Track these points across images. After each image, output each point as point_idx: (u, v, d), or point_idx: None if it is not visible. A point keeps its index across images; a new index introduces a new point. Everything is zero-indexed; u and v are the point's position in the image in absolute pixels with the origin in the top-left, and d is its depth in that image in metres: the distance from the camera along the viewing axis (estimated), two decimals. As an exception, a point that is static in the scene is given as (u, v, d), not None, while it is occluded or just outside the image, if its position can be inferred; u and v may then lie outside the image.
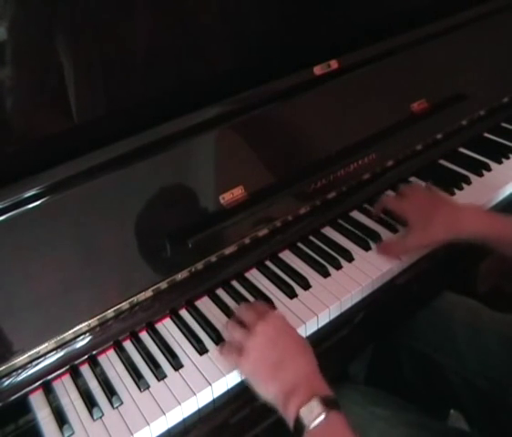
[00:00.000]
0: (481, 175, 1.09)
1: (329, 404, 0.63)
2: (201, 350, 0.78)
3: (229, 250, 0.89)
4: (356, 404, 0.86)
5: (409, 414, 0.86)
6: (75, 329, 0.76)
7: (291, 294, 0.85)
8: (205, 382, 0.73)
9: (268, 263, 0.92)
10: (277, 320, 0.73)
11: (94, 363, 0.78)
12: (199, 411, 0.73)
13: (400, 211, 0.93)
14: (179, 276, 0.84)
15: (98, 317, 0.78)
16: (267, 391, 0.68)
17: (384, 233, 0.95)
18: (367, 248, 0.92)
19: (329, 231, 0.98)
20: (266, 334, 0.70)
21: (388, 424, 0.83)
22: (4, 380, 0.72)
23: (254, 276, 0.90)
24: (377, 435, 0.82)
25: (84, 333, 0.77)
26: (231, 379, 0.74)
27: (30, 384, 0.74)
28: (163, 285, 0.83)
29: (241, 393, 0.74)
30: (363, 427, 0.83)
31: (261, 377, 0.69)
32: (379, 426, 0.83)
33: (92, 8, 0.78)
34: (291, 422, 0.64)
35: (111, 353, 0.79)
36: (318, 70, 0.97)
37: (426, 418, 0.86)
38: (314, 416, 0.62)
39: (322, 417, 0.62)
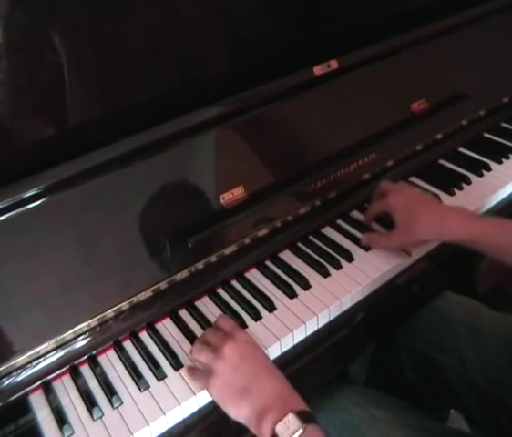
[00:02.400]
0: (481, 175, 1.09)
1: (306, 419, 0.61)
2: (201, 350, 0.78)
3: (229, 250, 0.89)
4: (356, 405, 0.86)
5: (409, 416, 0.86)
6: (75, 329, 0.76)
7: (291, 294, 0.85)
8: (205, 382, 0.73)
9: (268, 263, 0.92)
10: (243, 342, 0.70)
11: (94, 363, 0.78)
12: (199, 411, 0.73)
13: (386, 208, 0.92)
14: (179, 276, 0.84)
15: (98, 317, 0.78)
16: (237, 413, 0.66)
17: (384, 233, 0.95)
18: (367, 249, 0.92)
19: (329, 231, 0.98)
20: (233, 356, 0.68)
21: (388, 426, 0.83)
22: (4, 380, 0.72)
23: (254, 276, 0.90)
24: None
25: (84, 333, 0.77)
26: (231, 379, 0.74)
27: (30, 384, 0.74)
28: (163, 285, 0.83)
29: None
30: (364, 428, 0.83)
31: (231, 401, 0.67)
32: (379, 428, 0.83)
33: (91, 8, 0.78)
34: None
35: (111, 353, 0.79)
36: (318, 70, 0.97)
37: (427, 419, 0.86)
38: (291, 432, 0.60)
39: (300, 432, 0.60)
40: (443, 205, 0.95)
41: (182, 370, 0.75)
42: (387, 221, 0.97)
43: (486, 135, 1.22)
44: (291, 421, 0.61)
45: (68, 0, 0.76)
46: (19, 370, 0.73)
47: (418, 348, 0.98)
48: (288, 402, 0.64)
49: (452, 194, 1.04)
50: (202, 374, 0.71)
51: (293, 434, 0.60)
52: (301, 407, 0.63)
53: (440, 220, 0.86)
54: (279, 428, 0.61)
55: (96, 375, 0.76)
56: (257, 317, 0.82)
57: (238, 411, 0.66)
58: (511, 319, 0.94)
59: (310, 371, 0.82)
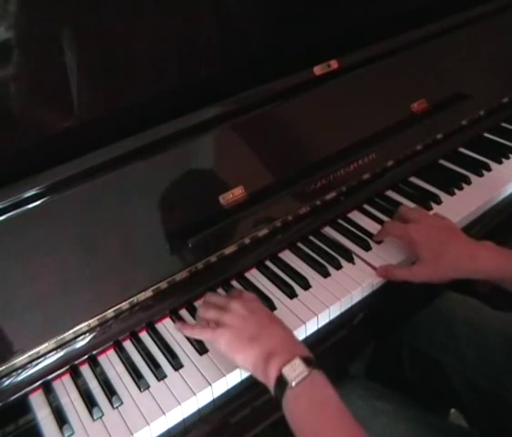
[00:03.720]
0: (481, 175, 1.09)
1: (311, 363, 0.65)
2: (201, 349, 0.78)
3: (229, 250, 0.89)
4: (359, 398, 0.86)
5: (412, 410, 0.86)
6: (75, 329, 0.76)
7: (291, 294, 0.85)
8: (205, 382, 0.73)
9: (268, 263, 0.92)
10: (252, 299, 0.76)
11: (94, 363, 0.78)
12: (199, 411, 0.73)
13: (406, 239, 0.86)
14: (179, 276, 0.84)
15: (98, 317, 0.78)
16: (245, 359, 0.69)
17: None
18: (367, 249, 0.92)
19: (329, 231, 0.98)
20: (241, 310, 0.72)
21: (391, 419, 0.83)
22: (4, 380, 0.72)
23: (254, 276, 0.90)
24: (380, 429, 0.82)
25: (84, 333, 0.77)
26: (231, 379, 0.74)
27: (30, 384, 0.74)
28: (163, 285, 0.83)
29: (241, 393, 0.74)
30: (366, 421, 0.82)
31: (239, 347, 0.70)
32: (382, 420, 0.83)
33: (93, 8, 0.78)
34: (271, 382, 0.65)
35: (111, 353, 0.79)
36: (318, 70, 0.97)
37: (428, 413, 0.86)
38: (297, 374, 0.64)
39: (306, 374, 0.63)
40: (468, 238, 0.85)
41: (182, 371, 0.75)
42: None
43: (486, 135, 1.22)
44: (297, 364, 0.64)
45: (69, 0, 0.76)
46: (19, 370, 0.73)
47: (418, 346, 0.98)
48: (294, 348, 0.68)
49: (452, 194, 1.04)
50: (209, 327, 0.74)
51: (299, 376, 0.63)
52: (306, 354, 0.67)
53: (471, 258, 0.81)
54: (285, 370, 0.64)
55: (96, 375, 0.76)
56: (257, 317, 0.82)
57: (246, 357, 0.69)
58: (511, 317, 0.94)
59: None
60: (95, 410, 0.71)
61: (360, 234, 0.95)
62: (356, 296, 0.85)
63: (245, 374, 0.75)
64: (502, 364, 0.88)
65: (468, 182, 1.07)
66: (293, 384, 0.63)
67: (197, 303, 0.86)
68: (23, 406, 0.73)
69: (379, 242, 0.93)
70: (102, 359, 0.79)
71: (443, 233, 0.85)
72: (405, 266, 0.87)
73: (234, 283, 0.89)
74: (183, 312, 0.85)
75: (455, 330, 0.94)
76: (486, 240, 0.84)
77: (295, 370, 0.64)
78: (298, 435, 0.63)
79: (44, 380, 0.75)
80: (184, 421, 0.72)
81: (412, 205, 1.01)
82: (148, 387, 0.74)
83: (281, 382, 0.64)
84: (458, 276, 0.83)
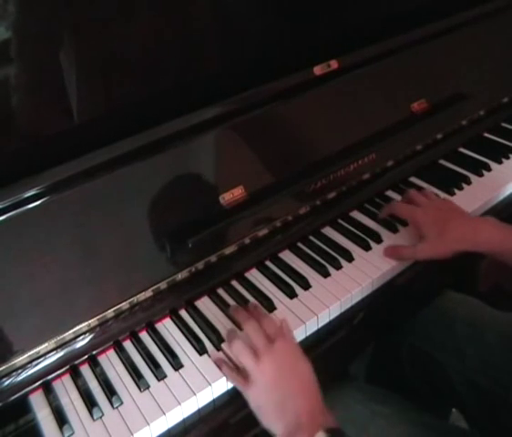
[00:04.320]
0: (481, 175, 1.09)
1: (334, 435, 0.63)
2: (201, 350, 0.78)
3: (229, 250, 0.89)
4: (357, 402, 0.86)
5: (410, 412, 0.86)
6: (75, 329, 0.76)
7: (291, 294, 0.85)
8: (205, 382, 0.73)
9: (268, 263, 0.92)
10: (285, 351, 0.71)
11: (94, 363, 0.78)
12: (199, 411, 0.73)
13: (413, 220, 0.91)
14: (179, 276, 0.84)
15: (98, 317, 0.78)
16: (270, 426, 0.68)
17: (384, 233, 0.95)
18: (367, 249, 0.92)
19: (329, 231, 0.98)
20: (274, 368, 0.69)
21: (389, 422, 0.83)
22: (4, 380, 0.72)
23: (254, 276, 0.90)
24: (378, 433, 0.82)
25: (84, 333, 0.77)
26: (231, 379, 0.74)
27: (30, 384, 0.74)
28: (163, 285, 0.83)
29: (241, 393, 0.74)
30: (364, 425, 0.83)
31: (266, 413, 0.69)
32: (380, 424, 0.83)
33: (92, 7, 0.78)
34: None
35: (111, 353, 0.79)
36: (318, 70, 0.97)
37: (427, 416, 0.86)
38: None
39: None
40: (472, 217, 0.92)
41: (182, 371, 0.75)
42: (388, 221, 0.97)
43: (486, 135, 1.22)
44: None
45: (69, 0, 0.76)
46: (19, 370, 0.73)
47: (418, 346, 0.98)
48: (320, 420, 0.66)
49: (452, 194, 1.04)
50: (240, 375, 0.72)
51: None
52: (330, 424, 0.65)
53: (474, 230, 0.86)
54: None
55: (96, 375, 0.76)
56: (257, 317, 0.82)
57: (271, 425, 0.68)
58: (511, 317, 0.94)
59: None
60: (95, 410, 0.71)
61: (360, 234, 0.95)
62: (356, 296, 0.85)
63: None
64: (502, 364, 0.88)
65: (468, 182, 1.07)
66: None
67: (197, 303, 0.86)
68: (23, 406, 0.73)
69: (379, 242, 0.93)
70: (102, 359, 0.79)
71: (447, 212, 0.89)
72: (410, 246, 0.90)
73: (234, 283, 0.89)
74: (183, 312, 0.85)
75: (456, 330, 0.94)
76: (489, 216, 0.88)
77: None
78: None
79: (44, 380, 0.75)
80: (184, 421, 0.72)
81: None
82: (148, 387, 0.74)
83: None
84: (461, 248, 0.86)
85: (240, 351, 0.72)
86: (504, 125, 1.25)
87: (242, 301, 0.84)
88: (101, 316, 0.78)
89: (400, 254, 0.89)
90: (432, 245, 0.87)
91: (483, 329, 0.93)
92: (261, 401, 0.69)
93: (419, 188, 1.06)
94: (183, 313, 0.85)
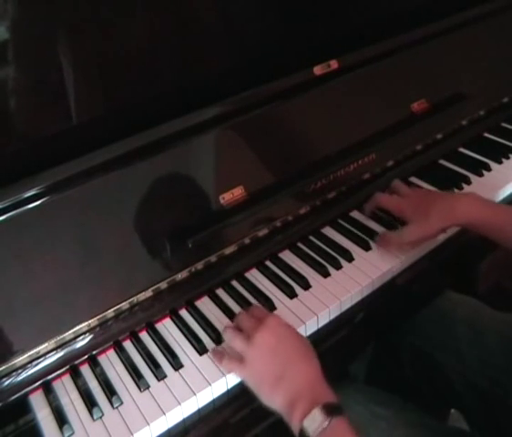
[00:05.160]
0: (481, 175, 1.09)
1: (331, 411, 0.64)
2: (201, 350, 0.78)
3: (229, 250, 0.89)
4: (357, 403, 0.86)
5: (410, 414, 0.86)
6: (75, 329, 0.76)
7: (291, 294, 0.85)
8: (205, 382, 0.73)
9: (268, 263, 0.92)
10: (276, 326, 0.72)
11: (94, 363, 0.78)
12: (199, 411, 0.73)
13: (398, 210, 0.93)
14: (179, 276, 0.84)
15: (98, 317, 0.78)
16: (272, 401, 0.68)
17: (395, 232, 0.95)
18: (367, 249, 0.92)
19: (329, 231, 0.98)
20: (266, 343, 0.70)
21: (389, 424, 0.83)
22: (4, 380, 0.72)
23: (254, 276, 0.90)
24: (378, 435, 0.82)
25: (84, 333, 0.77)
26: (231, 379, 0.74)
27: (30, 384, 0.74)
28: (163, 285, 0.83)
29: (241, 393, 0.74)
30: (365, 426, 0.83)
31: (265, 389, 0.69)
32: (380, 426, 0.83)
33: (92, 8, 0.78)
34: (296, 433, 0.65)
35: (111, 353, 0.79)
36: (318, 70, 0.97)
37: (427, 418, 0.86)
38: (317, 425, 0.63)
39: (325, 425, 0.62)
40: (452, 194, 0.97)
41: (182, 371, 0.75)
42: (388, 221, 0.97)
43: (486, 135, 1.22)
44: (316, 415, 0.63)
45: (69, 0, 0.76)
46: (19, 370, 0.73)
47: (418, 346, 0.98)
48: (316, 394, 0.66)
49: (452, 194, 1.04)
50: (235, 359, 0.72)
51: (318, 428, 0.63)
52: (328, 399, 0.65)
53: (452, 204, 0.88)
54: (306, 422, 0.64)
55: (96, 375, 0.76)
56: (257, 317, 0.82)
57: (271, 400, 0.68)
58: (510, 318, 0.94)
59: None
60: (95, 410, 0.71)
61: (360, 234, 0.95)
62: (356, 296, 0.85)
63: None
64: (502, 365, 0.88)
65: (468, 182, 1.07)
66: None
67: (197, 303, 0.86)
68: (23, 406, 0.73)
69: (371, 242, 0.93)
70: (102, 359, 0.79)
71: (430, 197, 0.93)
72: (397, 232, 0.92)
73: (234, 283, 0.89)
74: (183, 312, 0.85)
75: (455, 331, 0.94)
76: (471, 193, 0.92)
77: (315, 422, 0.63)
78: None
79: (44, 380, 0.75)
80: (184, 421, 0.72)
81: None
82: (148, 387, 0.74)
83: (304, 435, 0.64)
84: (444, 224, 0.89)
85: (232, 337, 0.73)
86: (504, 125, 1.25)
87: (242, 301, 0.84)
88: (101, 316, 0.78)
89: (388, 240, 0.91)
90: (417, 225, 0.89)
91: (482, 329, 0.93)
92: (259, 377, 0.70)
93: (419, 188, 1.06)
94: (183, 313, 0.85)
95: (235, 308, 0.84)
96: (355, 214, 1.01)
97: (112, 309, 0.79)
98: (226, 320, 0.82)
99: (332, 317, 0.84)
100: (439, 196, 0.94)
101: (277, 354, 0.69)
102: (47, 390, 0.75)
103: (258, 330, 0.71)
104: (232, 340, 0.73)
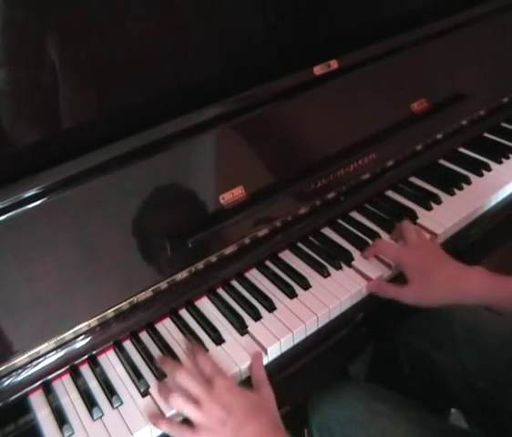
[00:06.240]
0: (481, 175, 1.09)
1: None
2: (201, 350, 0.78)
3: (229, 250, 0.89)
4: (358, 400, 0.86)
5: (411, 411, 0.86)
6: (75, 329, 0.76)
7: (291, 294, 0.85)
8: (205, 382, 0.73)
9: (268, 263, 0.92)
10: (224, 394, 0.68)
11: (94, 363, 0.78)
12: (199, 411, 0.73)
13: (398, 261, 0.87)
14: (179, 276, 0.84)
15: (98, 317, 0.78)
16: None
17: (384, 234, 0.95)
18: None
19: (329, 231, 0.98)
20: (217, 407, 0.67)
21: (390, 421, 0.83)
22: (4, 380, 0.72)
23: (254, 276, 0.90)
24: (379, 432, 0.82)
25: (84, 333, 0.77)
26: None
27: (30, 384, 0.74)
28: (163, 285, 0.83)
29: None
30: (366, 423, 0.83)
31: None
32: (381, 422, 0.83)
33: (89, 9, 0.78)
34: None
35: (111, 353, 0.80)
36: (318, 70, 0.97)
37: (428, 415, 0.86)
38: None
39: None
40: (457, 262, 0.84)
41: (182, 370, 0.75)
42: (387, 221, 0.97)
43: (486, 135, 1.22)
44: None
45: (66, 1, 0.76)
46: (19, 370, 0.73)
47: (418, 347, 0.98)
48: None
49: (452, 194, 1.04)
50: (185, 428, 0.68)
51: None
52: None
53: (459, 280, 0.81)
54: None
55: (96, 375, 0.76)
56: (257, 317, 0.82)
57: None
58: (509, 320, 0.94)
59: (309, 372, 0.83)
60: (95, 410, 0.71)
61: (360, 234, 0.95)
62: (356, 296, 0.85)
63: (244, 375, 0.75)
64: (500, 366, 0.88)
65: (468, 182, 1.07)
66: None
67: (197, 303, 0.86)
68: (23, 406, 0.73)
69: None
70: (102, 359, 0.79)
71: (432, 256, 0.85)
72: (396, 285, 0.85)
73: (234, 283, 0.89)
74: (183, 312, 0.85)
75: (454, 333, 0.94)
76: (477, 266, 0.83)
77: None
78: None
79: (44, 380, 0.75)
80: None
81: (411, 204, 1.02)
82: (147, 387, 0.74)
83: None
84: (446, 300, 0.82)
85: (181, 405, 0.68)
86: (504, 125, 1.25)
87: (242, 301, 0.85)
88: (101, 316, 0.78)
89: (386, 291, 0.85)
90: (416, 291, 0.82)
91: (481, 331, 0.93)
92: None
93: (419, 188, 1.06)
94: (183, 313, 0.85)
95: (235, 308, 0.84)
96: (355, 214, 1.01)
97: (112, 309, 0.79)
98: (226, 321, 0.82)
99: (332, 317, 0.83)
100: (447, 261, 0.84)
101: (228, 418, 0.66)
102: (47, 390, 0.75)
103: (208, 396, 0.67)
104: (182, 407, 0.68)
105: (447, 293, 0.81)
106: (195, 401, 0.67)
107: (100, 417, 0.71)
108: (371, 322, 0.89)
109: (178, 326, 0.83)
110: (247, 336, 0.80)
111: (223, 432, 0.66)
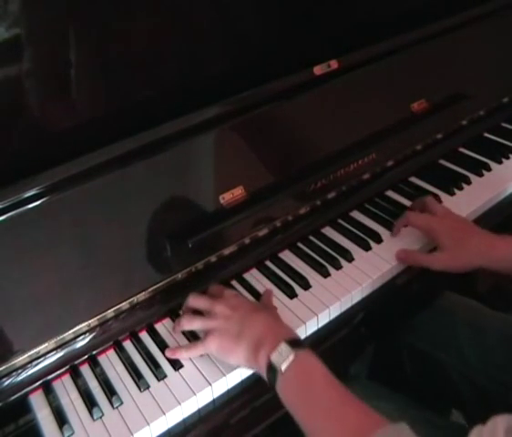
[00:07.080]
0: (481, 175, 1.09)
1: (296, 345, 0.67)
2: (201, 350, 0.78)
3: (229, 250, 0.89)
4: (359, 398, 0.86)
5: (413, 409, 0.86)
6: (75, 329, 0.76)
7: (291, 294, 0.85)
8: (205, 382, 0.73)
9: (268, 263, 0.92)
10: (232, 295, 0.78)
11: (94, 363, 0.78)
12: (199, 411, 0.73)
13: (429, 229, 0.89)
14: (179, 276, 0.84)
15: (98, 317, 0.78)
16: (237, 358, 0.71)
17: (385, 233, 0.95)
18: (367, 249, 0.92)
19: (329, 231, 0.98)
20: (224, 310, 0.74)
21: (392, 419, 0.83)
22: (4, 380, 0.72)
23: (254, 276, 0.90)
24: None
25: (84, 333, 0.77)
26: (231, 379, 0.74)
27: (30, 384, 0.74)
28: (163, 285, 0.83)
29: (241, 393, 0.74)
30: None
31: (229, 349, 0.72)
32: None
33: (94, 8, 0.78)
34: (264, 372, 0.67)
35: (111, 353, 0.79)
36: (318, 70, 0.97)
37: (430, 413, 0.86)
38: (284, 358, 0.65)
39: (292, 357, 0.65)
40: (488, 232, 0.88)
41: (182, 371, 0.75)
42: (387, 221, 0.97)
43: (486, 135, 1.22)
44: (283, 348, 0.66)
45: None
46: (19, 370, 0.73)
47: (419, 347, 0.98)
48: (279, 333, 0.69)
49: (452, 194, 1.04)
50: (198, 342, 0.75)
51: (286, 360, 0.65)
52: (291, 336, 0.69)
53: (490, 246, 0.84)
54: (273, 357, 0.66)
55: (96, 375, 0.76)
56: (257, 317, 0.82)
57: (237, 356, 0.71)
58: (511, 318, 0.94)
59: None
60: (95, 410, 0.71)
61: (360, 234, 0.95)
62: (356, 296, 0.85)
63: (245, 374, 0.75)
64: (502, 364, 0.88)
65: (468, 182, 1.07)
66: (283, 369, 0.65)
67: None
68: (23, 406, 0.73)
69: (379, 242, 0.93)
70: (102, 359, 0.79)
71: (464, 225, 0.89)
72: (426, 252, 0.89)
73: (234, 283, 0.89)
74: (183, 312, 0.85)
75: (456, 331, 0.94)
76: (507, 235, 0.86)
77: (282, 355, 0.66)
78: (295, 418, 0.64)
79: (44, 380, 0.75)
80: (184, 421, 0.72)
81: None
82: (148, 387, 0.74)
83: (272, 370, 0.66)
84: (476, 262, 0.84)
85: (191, 319, 0.77)
86: (504, 125, 1.25)
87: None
88: (101, 316, 0.78)
89: (415, 259, 0.88)
90: (449, 256, 0.85)
91: (483, 329, 0.93)
92: (221, 341, 0.72)
93: (419, 188, 1.06)
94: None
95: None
96: (355, 214, 1.01)
97: (112, 309, 0.79)
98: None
99: (332, 317, 0.84)
100: (474, 229, 0.87)
101: (235, 315, 0.73)
102: (47, 390, 0.75)
103: (215, 303, 0.76)
104: (192, 322, 0.77)
105: (478, 259, 0.84)
106: (206, 314, 0.75)
107: (100, 417, 0.71)
108: (371, 322, 0.89)
109: (178, 326, 0.83)
110: (247, 336, 0.80)
111: (228, 328, 0.72)
